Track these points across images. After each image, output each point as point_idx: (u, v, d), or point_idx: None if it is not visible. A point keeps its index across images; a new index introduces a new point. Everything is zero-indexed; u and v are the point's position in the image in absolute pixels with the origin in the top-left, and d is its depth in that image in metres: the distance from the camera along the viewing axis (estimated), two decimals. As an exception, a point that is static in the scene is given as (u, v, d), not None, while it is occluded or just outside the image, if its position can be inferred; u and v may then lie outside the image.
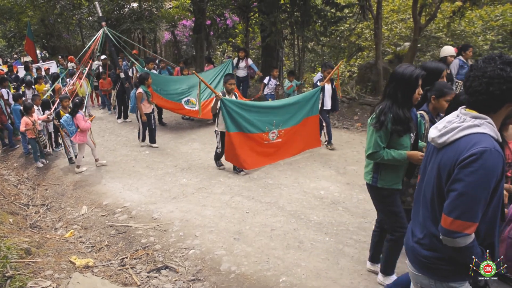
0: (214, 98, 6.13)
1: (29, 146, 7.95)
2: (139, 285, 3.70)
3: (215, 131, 6.43)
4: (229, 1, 13.93)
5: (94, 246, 4.70)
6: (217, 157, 6.71)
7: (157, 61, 12.09)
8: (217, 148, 6.59)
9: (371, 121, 2.99)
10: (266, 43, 11.33)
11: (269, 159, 6.48)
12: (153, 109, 7.99)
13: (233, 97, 6.45)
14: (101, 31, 9.78)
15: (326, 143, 7.33)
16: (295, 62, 12.63)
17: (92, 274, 3.69)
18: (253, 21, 13.89)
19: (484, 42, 12.46)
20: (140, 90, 7.59)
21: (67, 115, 7.02)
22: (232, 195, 5.51)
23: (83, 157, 7.18)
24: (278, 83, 9.68)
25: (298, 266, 3.79)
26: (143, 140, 8.16)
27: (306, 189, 5.58)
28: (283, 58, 12.02)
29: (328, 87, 6.97)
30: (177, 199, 5.54)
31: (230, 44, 18.79)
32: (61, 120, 7.06)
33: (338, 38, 13.43)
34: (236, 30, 17.33)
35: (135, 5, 17.32)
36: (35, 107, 7.75)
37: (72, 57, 15.31)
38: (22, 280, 3.35)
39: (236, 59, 10.47)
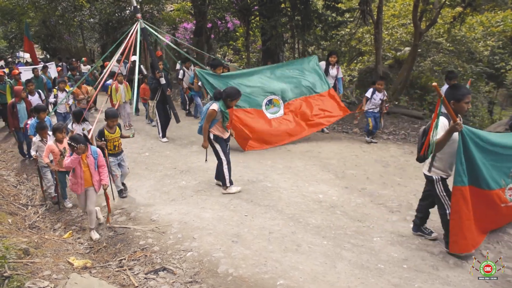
0: (443, 126, 3.52)
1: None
2: (137, 286, 3.71)
3: (434, 180, 3.80)
4: (230, 5, 14.02)
5: (92, 247, 4.72)
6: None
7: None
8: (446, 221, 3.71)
9: None
10: (267, 47, 11.40)
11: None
12: (229, 136, 5.79)
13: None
14: (137, 25, 8.07)
15: None
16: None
17: (90, 275, 3.70)
18: (254, 25, 13.98)
19: (485, 48, 12.53)
20: (214, 106, 5.35)
21: None
22: (231, 198, 5.51)
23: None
24: (385, 97, 7.64)
25: (296, 269, 3.80)
26: (231, 182, 5.64)
27: (305, 193, 5.59)
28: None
29: None
30: (176, 201, 5.55)
31: (231, 47, 18.87)
32: None
33: (338, 43, 13.51)
34: (237, 33, 17.44)
35: (136, 7, 17.39)
36: (79, 127, 6.26)
37: (86, 58, 15.09)
38: (20, 280, 3.36)
39: (323, 63, 8.51)
